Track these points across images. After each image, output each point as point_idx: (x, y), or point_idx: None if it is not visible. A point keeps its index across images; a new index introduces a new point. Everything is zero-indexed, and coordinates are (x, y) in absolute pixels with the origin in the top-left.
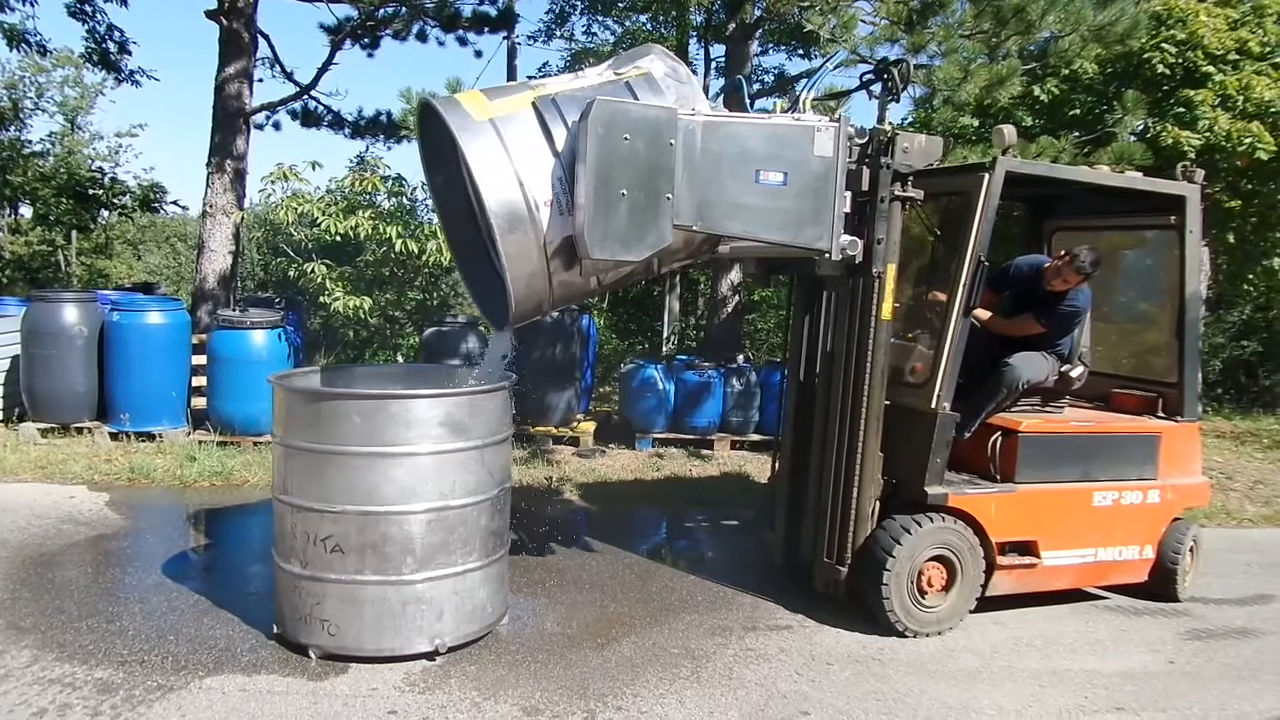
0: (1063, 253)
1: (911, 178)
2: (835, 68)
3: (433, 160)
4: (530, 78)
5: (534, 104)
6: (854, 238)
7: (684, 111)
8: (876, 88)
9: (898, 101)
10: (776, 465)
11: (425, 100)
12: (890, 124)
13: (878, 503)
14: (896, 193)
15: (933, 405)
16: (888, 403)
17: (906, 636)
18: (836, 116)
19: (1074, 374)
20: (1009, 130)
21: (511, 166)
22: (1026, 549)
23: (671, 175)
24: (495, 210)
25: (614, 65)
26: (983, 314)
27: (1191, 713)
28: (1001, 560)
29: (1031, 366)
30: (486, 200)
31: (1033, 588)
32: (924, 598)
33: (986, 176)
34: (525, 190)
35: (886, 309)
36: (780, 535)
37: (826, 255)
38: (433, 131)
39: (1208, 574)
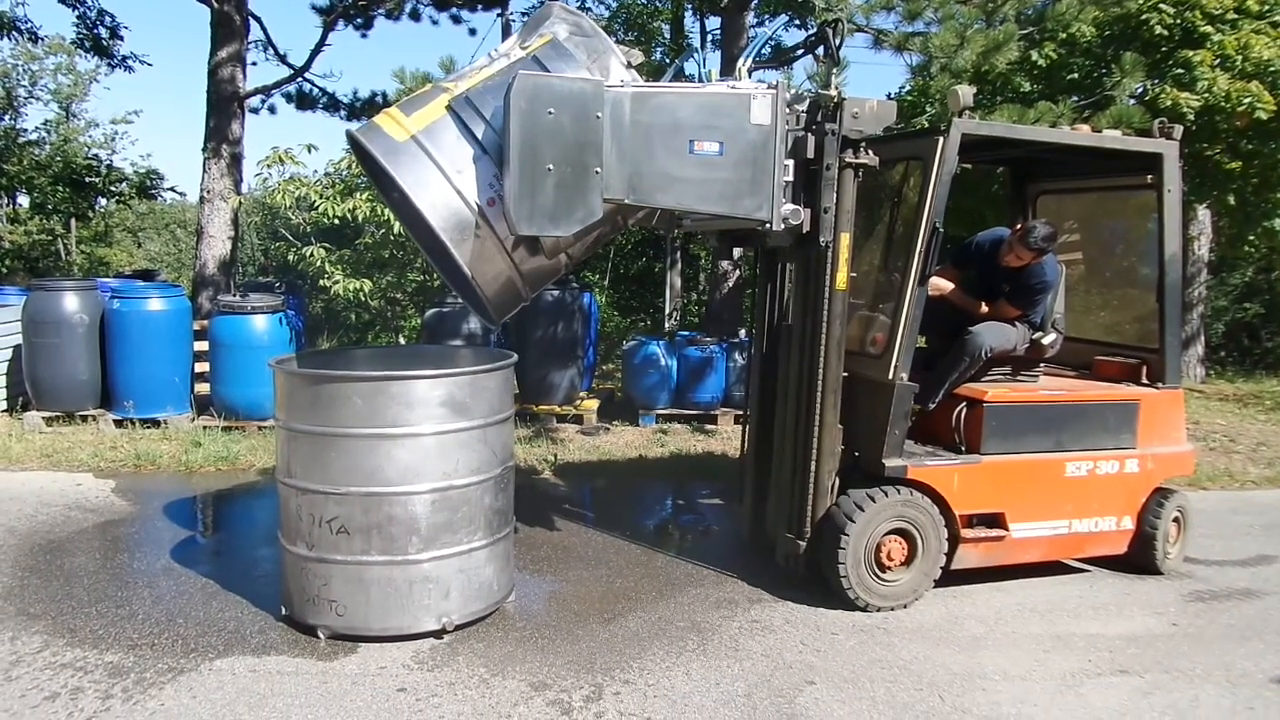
0: (1018, 227)
1: (865, 144)
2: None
3: (380, 181)
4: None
5: (449, 107)
6: (796, 207)
7: (611, 83)
8: (831, 54)
9: (837, 64)
10: (745, 439)
11: (349, 134)
12: (838, 89)
13: (837, 476)
14: (848, 160)
15: (890, 376)
16: (848, 374)
17: (866, 611)
18: (775, 83)
19: (1047, 341)
20: (964, 91)
21: (445, 179)
22: (994, 521)
23: (599, 149)
24: (441, 226)
25: (520, 38)
26: (943, 284)
27: (1195, 674)
28: (966, 533)
29: (996, 334)
30: (430, 219)
31: (1001, 561)
32: (884, 572)
33: (941, 140)
34: (465, 198)
35: (841, 279)
36: (748, 509)
37: (767, 225)
38: (369, 158)
39: (1210, 536)
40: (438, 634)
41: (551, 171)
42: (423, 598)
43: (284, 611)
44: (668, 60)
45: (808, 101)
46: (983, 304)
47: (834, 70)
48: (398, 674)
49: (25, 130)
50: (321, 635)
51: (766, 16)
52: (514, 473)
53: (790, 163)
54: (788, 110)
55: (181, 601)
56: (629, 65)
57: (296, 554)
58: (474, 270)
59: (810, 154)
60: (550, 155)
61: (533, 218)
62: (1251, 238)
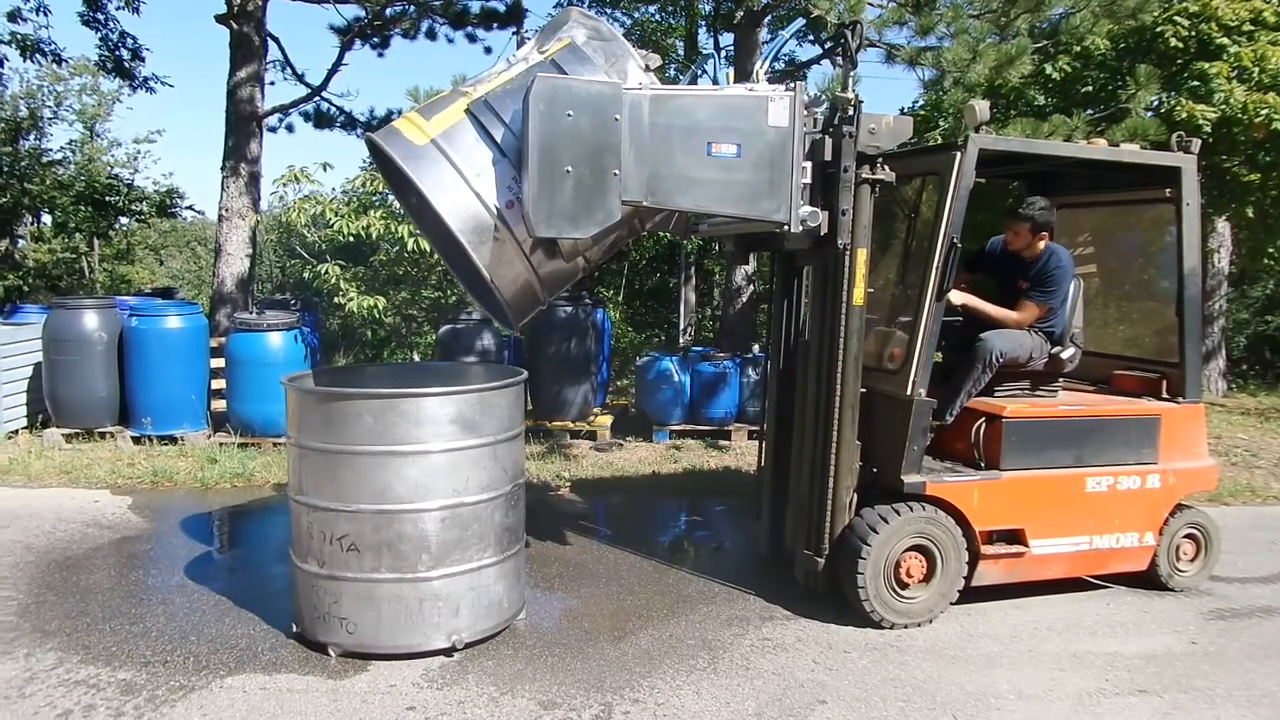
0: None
1: (881, 159)
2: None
3: (398, 185)
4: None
5: (468, 111)
6: (814, 209)
7: (629, 86)
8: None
9: (855, 66)
10: (762, 455)
11: (368, 138)
12: (854, 93)
13: (855, 493)
14: (865, 175)
15: (908, 392)
16: (865, 390)
17: (884, 628)
18: (792, 85)
19: (1065, 355)
20: (981, 106)
21: (464, 182)
22: (1014, 538)
23: (618, 151)
24: (460, 229)
25: (538, 43)
26: (965, 299)
27: (1215, 694)
28: (987, 550)
29: (1005, 339)
30: (449, 221)
31: (1022, 577)
32: (904, 589)
33: (958, 155)
34: (484, 200)
35: (858, 294)
36: (765, 526)
37: (785, 227)
38: (387, 162)
39: (1231, 552)
40: (448, 652)
41: (570, 174)
42: (433, 615)
43: (295, 629)
44: (681, 78)
45: (825, 104)
46: (1002, 308)
47: (851, 72)
48: (407, 692)
49: (50, 150)
50: (332, 653)
51: (781, 31)
52: (525, 489)
53: (808, 165)
54: (805, 113)
55: (195, 619)
56: (647, 69)
57: (307, 571)
58: (492, 273)
59: (828, 156)
60: (569, 157)
61: (551, 220)
62: (1271, 250)
